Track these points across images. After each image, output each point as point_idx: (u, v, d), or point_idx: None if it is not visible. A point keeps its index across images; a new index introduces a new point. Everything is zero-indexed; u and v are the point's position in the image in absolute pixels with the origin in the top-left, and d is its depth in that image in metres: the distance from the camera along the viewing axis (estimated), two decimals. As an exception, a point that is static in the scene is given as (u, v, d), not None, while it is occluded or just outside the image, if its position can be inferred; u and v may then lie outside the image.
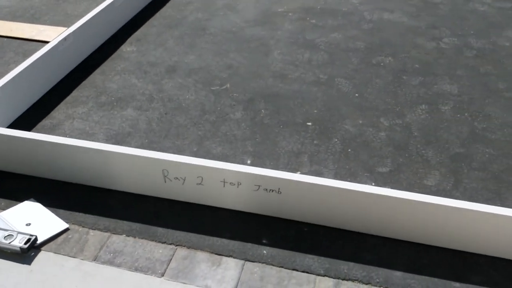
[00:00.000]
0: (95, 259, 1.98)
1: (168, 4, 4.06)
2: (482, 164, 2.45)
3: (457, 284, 1.90)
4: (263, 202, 2.14)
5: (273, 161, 2.48)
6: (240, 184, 2.12)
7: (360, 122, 2.73)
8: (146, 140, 2.61)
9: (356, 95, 2.95)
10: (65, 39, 3.02)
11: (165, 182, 2.20)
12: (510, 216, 1.88)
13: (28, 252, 1.97)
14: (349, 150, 2.54)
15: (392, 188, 2.29)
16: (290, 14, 3.90)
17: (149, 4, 4.04)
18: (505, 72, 3.14)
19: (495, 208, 1.92)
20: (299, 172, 2.40)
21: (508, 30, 3.62)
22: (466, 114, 2.79)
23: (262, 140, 2.62)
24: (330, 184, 2.01)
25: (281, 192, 2.08)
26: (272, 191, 2.09)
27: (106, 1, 3.48)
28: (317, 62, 3.28)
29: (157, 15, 3.89)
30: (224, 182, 2.13)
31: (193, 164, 2.12)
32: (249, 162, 2.48)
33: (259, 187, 2.10)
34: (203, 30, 3.69)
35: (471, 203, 1.94)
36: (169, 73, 3.18)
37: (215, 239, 2.08)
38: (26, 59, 3.26)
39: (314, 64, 3.26)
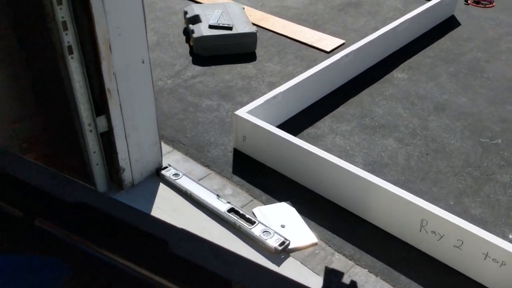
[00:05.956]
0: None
1: (446, 36, 3.90)
2: None
3: None
4: (526, 293, 1.91)
5: (540, 245, 2.19)
6: (505, 264, 1.92)
7: None
8: (403, 177, 2.56)
9: None
10: (347, 55, 3.13)
11: (420, 231, 2.13)
12: None
13: (278, 254, 2.11)
14: None
15: None
16: None
17: (427, 32, 3.94)
18: None
19: None
20: None
21: None
22: None
23: (530, 216, 2.34)
24: None
25: (554, 291, 1.83)
26: (543, 286, 1.85)
27: (390, 24, 3.49)
28: None
29: (434, 45, 3.76)
30: (486, 255, 1.96)
31: (457, 225, 1.99)
32: (511, 236, 2.24)
33: (527, 275, 1.88)
34: (480, 72, 3.44)
35: None
36: (437, 110, 3.06)
37: (459, 310, 1.94)
38: (303, 63, 3.50)
39: None
